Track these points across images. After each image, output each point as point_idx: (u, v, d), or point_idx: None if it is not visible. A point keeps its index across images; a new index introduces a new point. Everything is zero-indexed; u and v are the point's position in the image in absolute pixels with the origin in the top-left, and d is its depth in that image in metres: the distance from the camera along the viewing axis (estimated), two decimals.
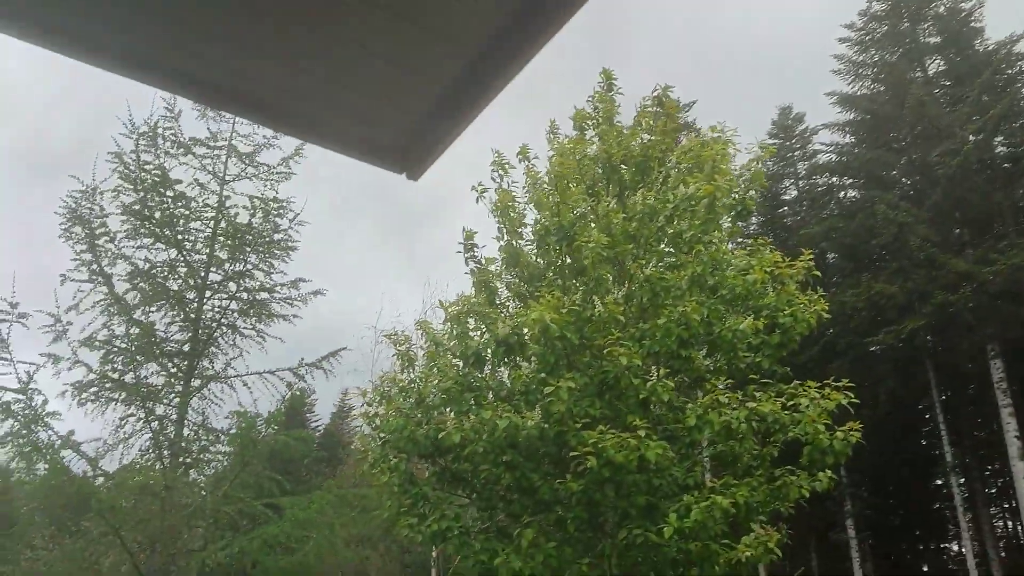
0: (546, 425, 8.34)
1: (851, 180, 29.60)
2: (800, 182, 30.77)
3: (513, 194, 10.39)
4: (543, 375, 8.66)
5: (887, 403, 24.31)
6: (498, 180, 10.50)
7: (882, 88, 28.12)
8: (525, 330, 9.08)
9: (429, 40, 1.96)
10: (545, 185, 10.34)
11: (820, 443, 8.51)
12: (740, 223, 10.27)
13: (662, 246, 9.64)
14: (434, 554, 18.96)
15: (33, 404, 12.80)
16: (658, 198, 9.30)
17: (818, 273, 10.06)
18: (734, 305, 9.64)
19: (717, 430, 8.34)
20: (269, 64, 2.16)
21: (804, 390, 8.84)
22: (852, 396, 8.82)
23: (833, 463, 8.68)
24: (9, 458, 13.29)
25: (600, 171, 10.39)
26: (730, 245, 10.13)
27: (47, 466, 12.81)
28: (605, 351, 8.47)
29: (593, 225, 9.47)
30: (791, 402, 8.72)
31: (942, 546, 27.55)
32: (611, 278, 9.44)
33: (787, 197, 31.10)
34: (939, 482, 25.63)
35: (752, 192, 10.09)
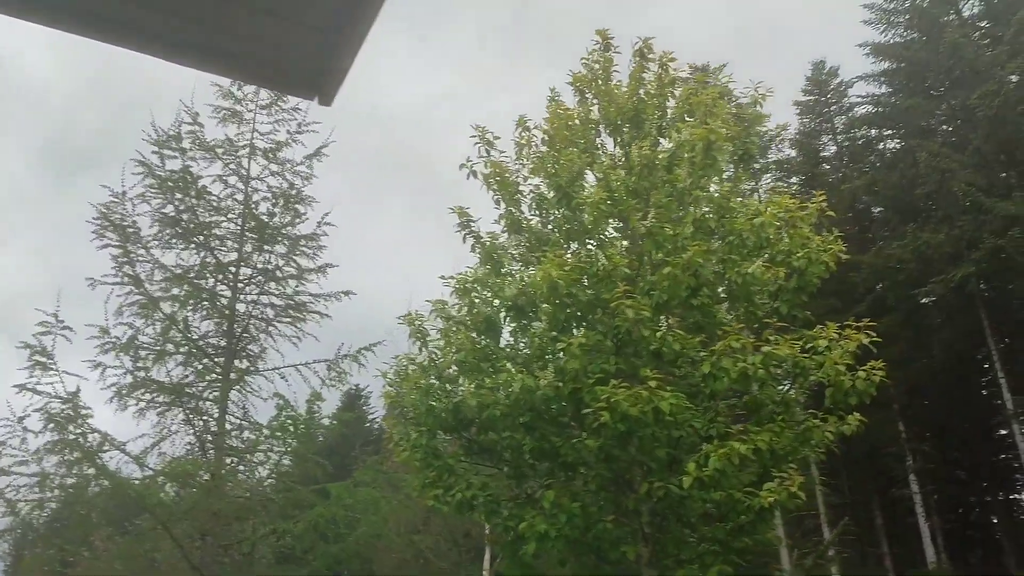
0: (560, 384, 8.30)
1: (890, 131, 28.75)
2: (838, 137, 29.97)
3: (505, 164, 10.36)
4: (554, 334, 8.62)
5: (943, 354, 23.61)
6: (485, 154, 10.47)
7: (916, 34, 27.18)
8: (532, 292, 9.06)
9: None
10: (542, 150, 10.28)
11: (842, 384, 8.30)
12: (743, 168, 10.04)
13: (664, 198, 9.49)
14: (487, 529, 19.02)
15: (78, 410, 13.25)
16: (653, 148, 9.17)
17: (832, 213, 9.79)
18: (748, 253, 9.45)
19: (734, 377, 8.18)
20: None
21: (824, 332, 8.63)
22: (873, 335, 8.58)
23: (857, 404, 8.45)
24: (57, 464, 13.76)
25: (601, 131, 10.28)
26: (738, 193, 9.90)
27: (91, 469, 13.22)
28: (614, 305, 8.39)
29: (593, 183, 9.38)
30: (810, 345, 8.52)
31: (1011, 497, 26.62)
32: (615, 233, 9.35)
33: (826, 153, 30.34)
34: (1003, 432, 24.78)
35: (755, 139, 9.86)
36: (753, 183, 11.48)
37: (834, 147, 30.18)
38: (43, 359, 13.20)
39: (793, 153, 29.50)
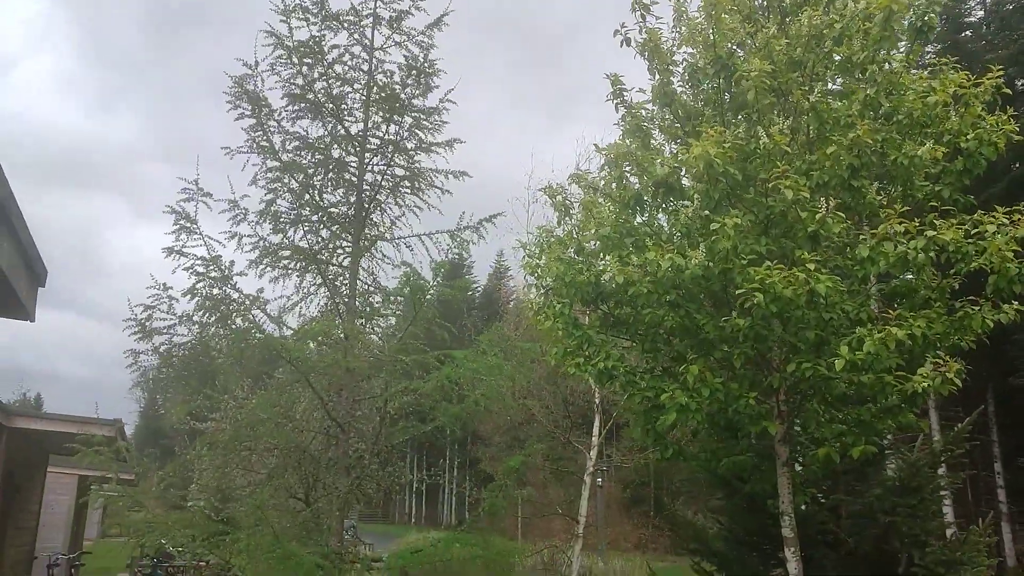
0: (710, 264, 8.27)
1: None
2: (986, 1, 27.49)
3: (661, 31, 9.95)
4: (706, 213, 8.52)
5: None
6: (641, 20, 10.04)
7: None
8: (683, 170, 8.92)
9: None
10: (698, 19, 9.81)
11: (1007, 272, 7.98)
12: (921, 43, 9.37)
13: (830, 72, 9.01)
14: (596, 400, 19.79)
15: (223, 268, 14.05)
16: (824, 18, 8.63)
17: (1008, 91, 9.12)
18: (911, 132, 8.99)
19: (892, 262, 7.98)
20: None
21: (992, 217, 8.24)
22: None
23: (1022, 292, 8.15)
24: (206, 317, 14.71)
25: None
26: (911, 71, 9.29)
27: (240, 323, 14.14)
28: (771, 185, 8.20)
29: (752, 56, 8.95)
30: (975, 230, 8.17)
31: None
32: (775, 110, 9.00)
33: (971, 19, 27.93)
34: None
35: (936, 7, 9.14)
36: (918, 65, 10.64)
37: (981, 12, 27.74)
38: (188, 223, 13.96)
39: (937, 8, 27.27)
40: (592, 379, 9.74)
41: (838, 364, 7.75)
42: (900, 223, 7.97)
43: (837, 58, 9.09)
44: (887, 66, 8.66)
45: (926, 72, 9.63)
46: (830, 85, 9.33)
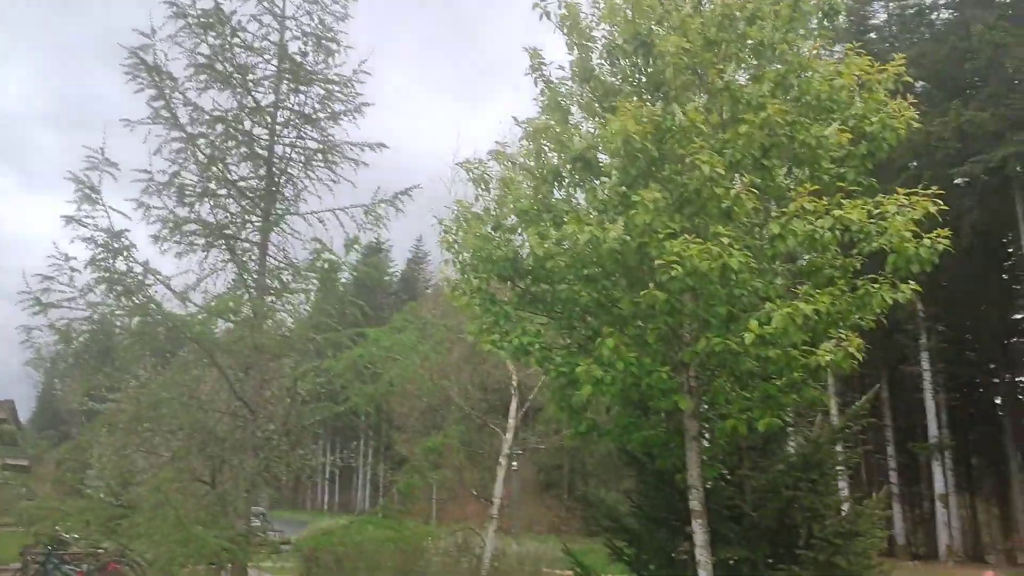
0: (628, 238, 8.32)
1: (945, 1, 27.49)
2: (890, 4, 28.71)
3: (580, 6, 9.96)
4: (623, 188, 8.57)
5: (969, 236, 23.63)
6: None
7: None
8: (601, 146, 8.95)
9: None
10: None
11: (905, 251, 8.32)
12: (827, 24, 9.66)
13: (744, 53, 9.19)
14: (513, 382, 19.90)
15: (121, 241, 13.37)
16: None
17: (909, 79, 9.51)
18: (819, 115, 9.26)
19: (801, 240, 8.20)
20: None
21: (893, 199, 8.57)
22: (941, 203, 8.53)
23: (919, 272, 8.51)
24: (107, 292, 13.99)
25: None
26: (819, 53, 9.56)
27: (141, 299, 13.51)
28: (688, 161, 8.30)
29: (668, 33, 9.05)
30: (878, 211, 8.48)
31: (1017, 379, 27.39)
32: (692, 89, 9.13)
33: (875, 21, 29.16)
34: (1018, 316, 25.16)
35: None
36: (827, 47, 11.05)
37: (884, 14, 28.97)
38: (90, 192, 13.24)
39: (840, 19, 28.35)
40: (508, 355, 9.72)
41: (748, 338, 7.93)
42: (810, 202, 8.20)
43: (751, 42, 9.27)
44: (797, 49, 8.88)
45: (832, 57, 9.94)
46: (744, 68, 9.50)
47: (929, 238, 8.43)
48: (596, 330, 9.43)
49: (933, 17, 27.72)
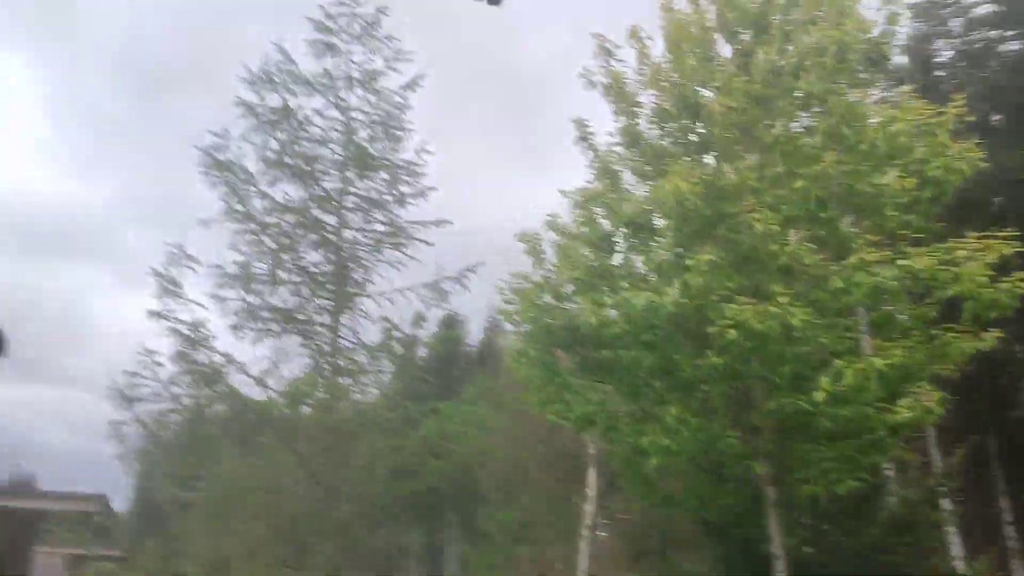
0: (685, 300, 8.16)
1: (1013, 31, 26.64)
2: (954, 41, 27.99)
3: (624, 73, 10.03)
4: (678, 250, 8.46)
5: None
6: (605, 64, 10.13)
7: None
8: (654, 207, 8.89)
9: None
10: (661, 60, 9.89)
11: (984, 297, 7.89)
12: (876, 72, 9.46)
13: (791, 107, 9.06)
14: (591, 451, 19.45)
15: (201, 331, 13.92)
16: (780, 52, 8.71)
17: (972, 117, 9.18)
18: (878, 164, 8.99)
19: (866, 292, 7.89)
20: None
21: (964, 243, 8.18)
22: (1020, 245, 8.10)
23: (998, 318, 8.05)
24: (190, 383, 14.48)
25: (718, 39, 9.82)
26: (866, 99, 9.34)
27: (215, 388, 13.96)
28: (740, 220, 8.15)
29: (712, 96, 9.03)
30: (949, 257, 8.10)
31: None
32: (742, 146, 9.02)
33: (940, 59, 28.42)
34: None
35: (890, 36, 9.26)
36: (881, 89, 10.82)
37: (950, 51, 28.22)
38: (172, 287, 13.92)
39: (904, 60, 27.74)
40: (573, 426, 9.56)
41: (818, 397, 7.60)
42: (872, 253, 7.91)
43: (799, 94, 9.15)
44: (846, 96, 8.70)
45: (888, 103, 9.71)
46: (795, 121, 9.35)
47: (1008, 281, 7.99)
48: (662, 396, 9.21)
49: (1001, 49, 26.85)
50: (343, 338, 15.76)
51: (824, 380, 7.68)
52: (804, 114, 9.23)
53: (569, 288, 9.68)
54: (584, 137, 9.96)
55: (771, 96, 8.88)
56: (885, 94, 11.16)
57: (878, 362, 7.55)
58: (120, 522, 17.88)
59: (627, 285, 8.79)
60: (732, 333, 7.68)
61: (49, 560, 23.22)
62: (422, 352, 18.78)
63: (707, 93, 9.40)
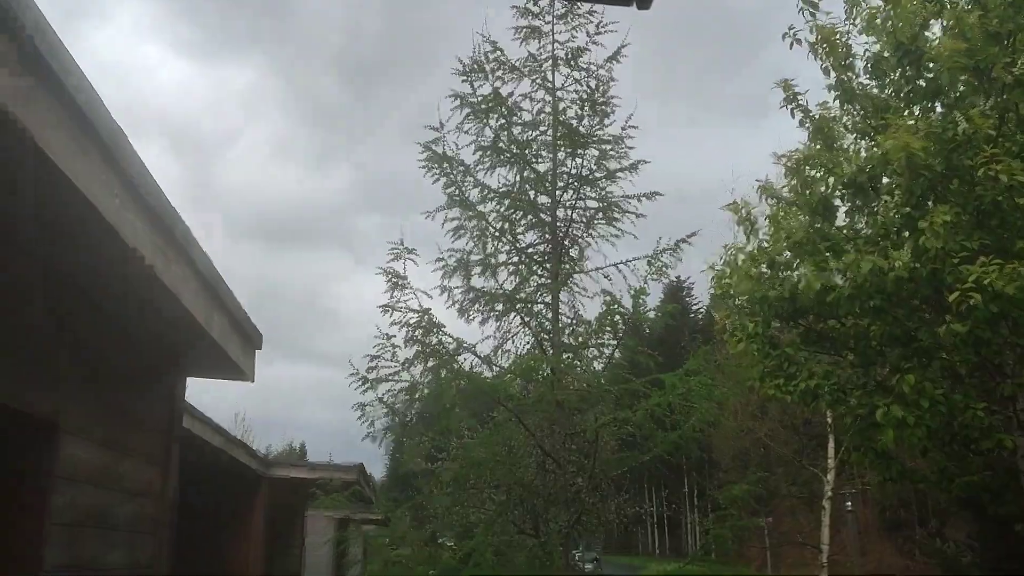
0: (917, 264, 7.58)
1: None
2: None
3: (834, 27, 9.32)
4: (908, 210, 7.83)
5: None
6: (810, 19, 9.47)
7: None
8: (877, 167, 8.28)
9: None
10: (874, 4, 9.11)
11: None
12: None
13: None
14: (828, 419, 18.50)
15: (432, 323, 14.94)
16: None
17: None
18: None
19: None
20: None
21: None
22: None
23: None
24: (424, 364, 15.60)
25: None
26: None
27: (448, 369, 14.93)
28: (980, 173, 7.39)
29: (939, 36, 8.19)
30: None
31: None
32: (975, 91, 8.13)
33: None
34: None
35: None
36: None
37: None
38: (398, 280, 15.06)
39: None
40: (795, 401, 9.21)
41: None
42: None
43: None
44: None
45: None
46: None
47: None
48: (896, 366, 8.62)
49: None
50: (563, 315, 16.19)
51: None
52: None
53: (786, 256, 9.31)
54: (792, 98, 9.44)
55: (1011, 31, 7.90)
56: None
57: None
58: (377, 490, 19.73)
59: (850, 249, 8.28)
60: (976, 297, 7.03)
61: (318, 522, 26.26)
62: (644, 324, 18.82)
63: (932, 34, 8.56)
